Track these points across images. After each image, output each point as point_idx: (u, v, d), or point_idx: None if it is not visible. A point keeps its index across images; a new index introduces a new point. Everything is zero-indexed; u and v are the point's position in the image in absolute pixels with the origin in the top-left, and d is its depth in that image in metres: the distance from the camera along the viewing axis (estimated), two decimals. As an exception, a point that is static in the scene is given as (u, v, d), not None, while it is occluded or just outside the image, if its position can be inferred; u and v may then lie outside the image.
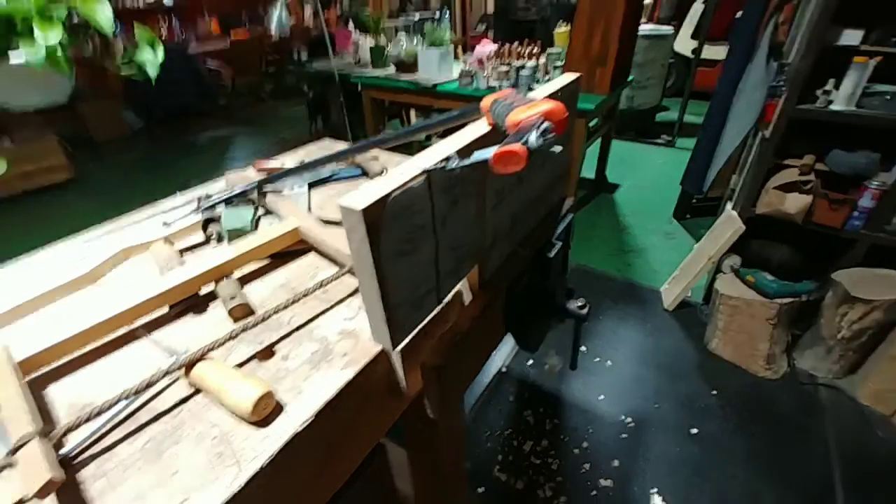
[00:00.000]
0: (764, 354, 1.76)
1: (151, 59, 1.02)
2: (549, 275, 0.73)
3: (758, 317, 1.72)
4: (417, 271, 0.45)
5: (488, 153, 0.33)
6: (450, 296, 0.59)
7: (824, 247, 1.77)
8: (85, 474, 0.41)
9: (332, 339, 0.56)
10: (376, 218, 0.36)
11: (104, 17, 0.88)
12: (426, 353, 0.53)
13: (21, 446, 0.39)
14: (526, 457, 1.51)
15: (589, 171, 3.31)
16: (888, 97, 1.44)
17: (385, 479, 1.04)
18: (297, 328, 0.58)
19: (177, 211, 0.90)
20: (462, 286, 0.63)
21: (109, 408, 0.43)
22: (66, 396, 0.50)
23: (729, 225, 1.87)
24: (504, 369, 1.85)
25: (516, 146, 0.32)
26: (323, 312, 0.61)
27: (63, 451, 0.42)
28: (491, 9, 7.03)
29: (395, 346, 0.46)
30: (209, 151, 4.54)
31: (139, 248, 0.79)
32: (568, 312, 0.76)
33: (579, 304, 0.75)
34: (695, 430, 1.59)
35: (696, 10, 4.32)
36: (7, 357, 0.50)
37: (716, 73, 2.20)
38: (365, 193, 0.37)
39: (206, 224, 0.81)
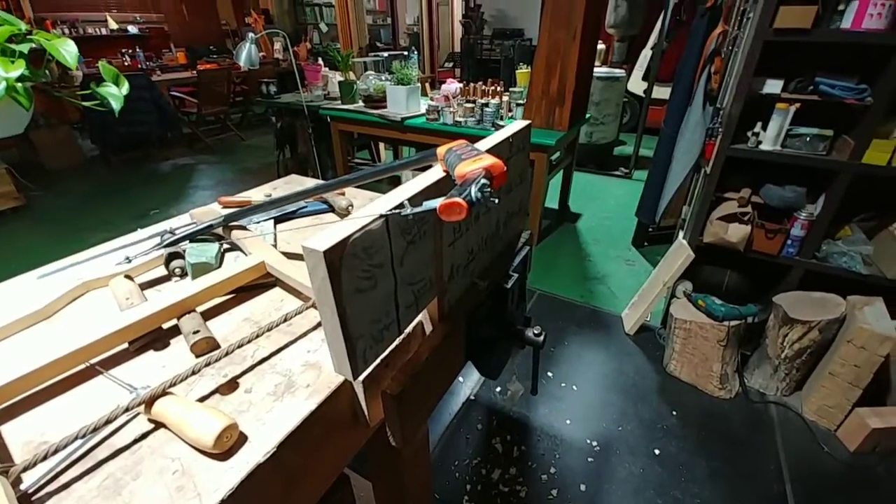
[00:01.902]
0: (717, 375, 1.85)
1: (115, 92, 1.02)
2: (507, 304, 0.77)
3: (710, 339, 1.82)
4: (377, 306, 0.48)
5: (436, 203, 0.38)
6: (410, 327, 0.62)
7: (766, 272, 1.92)
8: (42, 514, 0.41)
9: (295, 371, 0.58)
10: (337, 258, 0.40)
11: (69, 53, 0.89)
12: (387, 383, 0.55)
13: (-26, 488, 0.38)
14: (494, 485, 1.52)
15: (553, 202, 3.46)
16: (808, 138, 1.61)
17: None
18: (261, 361, 0.60)
19: (139, 246, 0.90)
20: (423, 317, 0.66)
21: (67, 445, 0.43)
22: (21, 434, 0.50)
23: (680, 253, 2.00)
24: (472, 397, 1.86)
25: (458, 199, 0.36)
26: (287, 345, 0.63)
27: (21, 488, 0.41)
28: (458, 48, 7.39)
29: (356, 377, 0.49)
30: (171, 180, 4.45)
31: (98, 282, 0.78)
32: (525, 340, 0.80)
33: (535, 331, 0.80)
34: (657, 451, 1.64)
35: (646, 55, 4.69)
36: (-43, 399, 0.49)
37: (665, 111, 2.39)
38: (327, 236, 0.40)
39: (169, 259, 0.82)
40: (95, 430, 0.46)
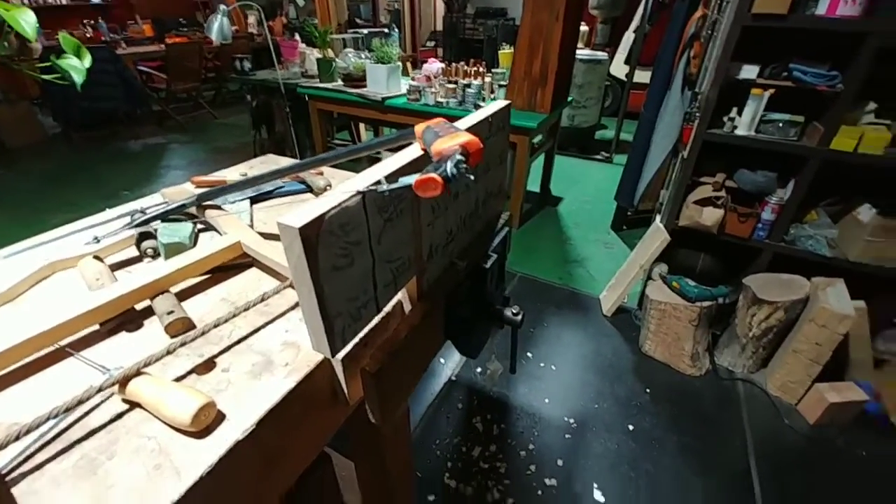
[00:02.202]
0: (689, 354, 1.92)
1: (77, 65, 0.97)
2: (486, 284, 0.78)
3: (682, 319, 1.89)
4: (355, 284, 0.48)
5: (412, 179, 0.37)
6: (389, 306, 0.62)
7: (737, 255, 1.98)
8: (16, 492, 0.40)
9: (273, 350, 0.58)
10: (313, 235, 0.40)
11: (28, 24, 0.84)
12: (366, 361, 0.56)
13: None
14: (475, 462, 1.56)
15: (534, 185, 3.47)
16: (780, 124, 1.66)
17: (332, 492, 1.04)
18: (238, 341, 0.59)
19: (108, 226, 0.87)
20: (402, 296, 0.66)
21: (39, 426, 0.43)
22: (-12, 418, 0.48)
23: (657, 236, 2.05)
24: (454, 377, 1.89)
25: (434, 175, 0.36)
26: (265, 325, 0.62)
27: (-10, 470, 0.41)
28: (440, 26, 7.23)
29: (334, 354, 0.49)
30: (140, 159, 4.29)
31: (65, 263, 0.76)
32: (504, 319, 0.81)
33: (514, 311, 0.81)
34: (631, 427, 1.70)
35: (628, 38, 4.69)
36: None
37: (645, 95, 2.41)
38: (303, 212, 0.40)
39: (140, 239, 0.79)
40: (67, 410, 0.45)
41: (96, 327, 0.61)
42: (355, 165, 3.10)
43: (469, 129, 0.62)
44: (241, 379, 0.53)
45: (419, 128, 0.51)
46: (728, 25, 1.59)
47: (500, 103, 0.77)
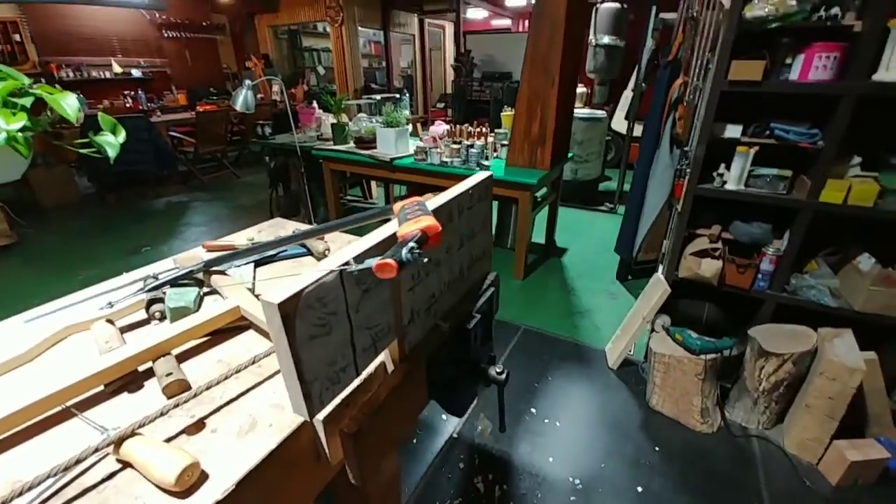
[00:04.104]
0: (698, 409, 1.87)
1: (112, 141, 1.08)
2: (469, 344, 0.82)
3: (688, 372, 1.85)
4: (333, 350, 0.53)
5: (373, 262, 0.43)
6: (372, 368, 0.66)
7: (742, 305, 1.97)
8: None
9: (260, 412, 0.62)
10: (291, 309, 0.45)
11: (70, 108, 0.96)
12: (345, 422, 0.59)
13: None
14: (476, 526, 1.50)
15: (539, 237, 3.54)
16: (769, 178, 1.71)
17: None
18: (229, 402, 0.63)
19: (122, 290, 0.94)
20: (385, 357, 0.70)
21: (39, 483, 0.47)
22: (-4, 476, 0.52)
23: (658, 287, 2.06)
24: (455, 435, 1.86)
25: (389, 260, 0.42)
26: (255, 386, 0.67)
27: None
28: (450, 89, 7.69)
29: (311, 417, 0.53)
30: (164, 217, 4.52)
31: (80, 326, 0.82)
32: (488, 378, 0.84)
33: (498, 370, 0.84)
34: (640, 489, 1.63)
35: (627, 95, 4.93)
36: (-63, 442, 0.52)
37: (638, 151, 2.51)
38: (283, 289, 0.46)
39: (150, 304, 0.86)
40: (66, 469, 0.49)
41: (101, 388, 0.66)
42: (358, 232, 3.22)
43: (452, 201, 0.69)
44: (228, 439, 0.57)
45: (397, 206, 0.58)
46: (709, 91, 1.69)
47: (482, 175, 0.84)
